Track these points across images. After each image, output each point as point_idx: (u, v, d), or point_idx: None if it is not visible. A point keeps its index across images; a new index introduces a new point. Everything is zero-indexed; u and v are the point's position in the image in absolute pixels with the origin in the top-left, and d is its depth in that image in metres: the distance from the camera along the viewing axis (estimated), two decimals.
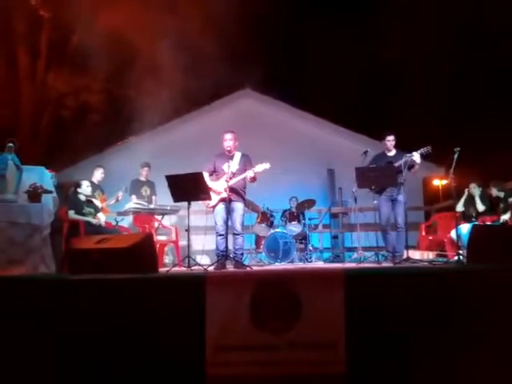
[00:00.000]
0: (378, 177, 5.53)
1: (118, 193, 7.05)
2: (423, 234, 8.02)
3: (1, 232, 4.17)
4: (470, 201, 6.80)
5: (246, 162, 5.58)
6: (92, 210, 6.21)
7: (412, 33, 12.92)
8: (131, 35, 9.00)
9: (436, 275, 3.07)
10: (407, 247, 5.46)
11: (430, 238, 7.85)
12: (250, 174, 5.39)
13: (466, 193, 6.92)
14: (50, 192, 4.80)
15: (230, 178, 5.32)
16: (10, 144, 4.61)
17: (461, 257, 4.96)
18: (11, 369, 2.77)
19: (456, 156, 5.30)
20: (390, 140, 6.10)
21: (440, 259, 6.51)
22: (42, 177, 4.88)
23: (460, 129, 13.59)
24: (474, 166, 9.11)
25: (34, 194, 4.54)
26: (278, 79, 14.24)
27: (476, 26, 12.64)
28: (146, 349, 2.80)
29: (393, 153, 6.10)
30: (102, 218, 6.25)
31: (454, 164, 5.32)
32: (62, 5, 9.64)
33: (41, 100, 11.26)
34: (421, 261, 5.44)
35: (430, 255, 7.18)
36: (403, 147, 6.12)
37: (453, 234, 6.50)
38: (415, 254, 6.44)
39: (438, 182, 15.27)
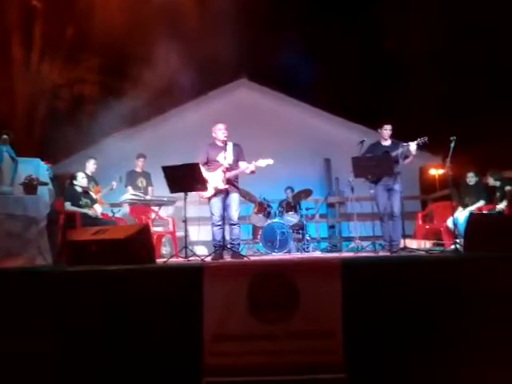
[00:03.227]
0: (375, 166, 5.51)
1: (111, 183, 7.05)
2: (420, 223, 8.02)
3: None
4: (467, 190, 6.80)
5: (239, 153, 5.56)
6: (89, 202, 6.20)
7: (411, 23, 12.88)
8: (126, 25, 8.92)
9: (433, 264, 3.08)
10: (404, 236, 5.46)
11: (427, 226, 7.85)
12: (251, 167, 5.39)
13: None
14: (46, 184, 4.79)
15: (227, 169, 5.31)
16: (5, 136, 4.59)
17: (458, 245, 4.97)
18: (9, 361, 2.77)
19: (452, 145, 5.29)
20: (388, 129, 6.07)
21: (437, 248, 6.52)
22: (37, 169, 4.86)
23: (457, 118, 13.56)
24: (470, 154, 9.10)
25: (30, 186, 4.52)
26: (275, 69, 14.16)
27: (476, 17, 12.58)
28: (143, 339, 2.81)
29: (388, 142, 6.08)
30: (98, 210, 6.25)
31: (450, 153, 5.33)
32: None
33: (36, 91, 11.19)
34: (418, 250, 5.45)
35: (427, 244, 7.19)
36: (400, 137, 6.11)
37: (449, 222, 6.52)
38: (412, 243, 6.44)
39: (435, 172, 15.21)
